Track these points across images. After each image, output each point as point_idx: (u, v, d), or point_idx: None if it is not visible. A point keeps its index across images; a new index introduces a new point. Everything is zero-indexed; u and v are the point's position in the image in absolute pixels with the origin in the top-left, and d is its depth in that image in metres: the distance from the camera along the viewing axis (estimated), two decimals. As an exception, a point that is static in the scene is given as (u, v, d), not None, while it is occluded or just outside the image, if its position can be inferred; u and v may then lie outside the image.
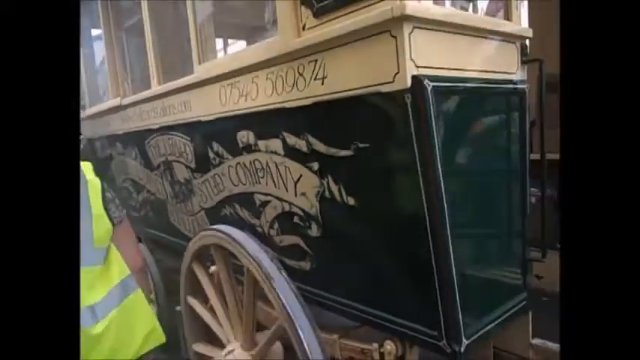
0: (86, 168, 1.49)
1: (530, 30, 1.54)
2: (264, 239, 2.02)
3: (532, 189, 2.23)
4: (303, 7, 1.43)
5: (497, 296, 1.51)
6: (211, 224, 2.23)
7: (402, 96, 1.19)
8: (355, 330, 1.80)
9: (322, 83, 1.41)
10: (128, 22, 3.09)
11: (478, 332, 1.41)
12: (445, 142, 1.27)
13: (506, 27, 1.50)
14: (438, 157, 1.22)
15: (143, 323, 1.53)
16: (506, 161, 1.55)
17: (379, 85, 1.23)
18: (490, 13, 3.07)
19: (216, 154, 2.15)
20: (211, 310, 2.14)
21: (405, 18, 1.13)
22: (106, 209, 1.47)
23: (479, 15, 1.67)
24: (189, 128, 2.30)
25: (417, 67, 1.17)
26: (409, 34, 1.14)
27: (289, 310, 1.55)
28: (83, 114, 3.81)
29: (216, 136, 2.11)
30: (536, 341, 1.71)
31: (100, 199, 1.46)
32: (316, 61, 1.41)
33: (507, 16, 1.54)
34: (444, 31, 1.25)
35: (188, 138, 2.36)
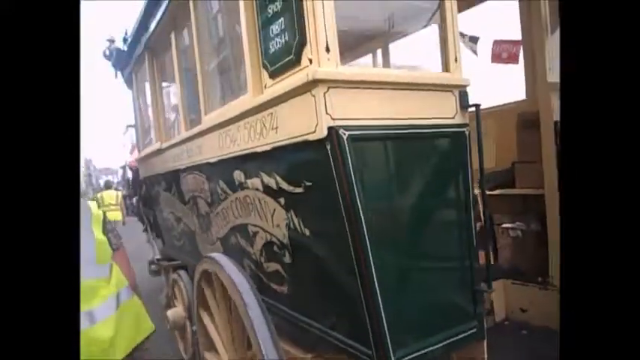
0: (92, 204, 1.88)
1: (469, 79, 1.71)
2: (257, 265, 2.29)
3: (518, 223, 2.31)
4: (263, 70, 1.74)
5: (436, 323, 1.62)
6: (224, 253, 2.54)
7: (323, 144, 1.43)
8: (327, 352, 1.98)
9: (276, 132, 1.69)
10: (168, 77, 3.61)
11: (412, 354, 1.54)
12: (370, 182, 1.47)
13: (441, 77, 1.69)
14: (358, 197, 1.42)
15: (137, 321, 1.92)
16: (444, 198, 1.69)
17: (307, 134, 1.48)
18: (495, 54, 3.20)
19: (222, 190, 2.48)
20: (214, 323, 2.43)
21: (319, 81, 1.38)
22: (105, 233, 1.83)
23: (406, 72, 1.73)
24: (203, 168, 2.68)
25: (333, 119, 1.40)
26: (324, 93, 1.39)
27: (256, 333, 1.78)
28: (139, 156, 4.43)
29: (220, 175, 2.44)
30: (491, 368, 1.77)
31: (101, 228, 1.82)
32: (272, 113, 1.70)
33: (446, 68, 1.72)
34: (363, 88, 1.48)
35: (204, 176, 2.73)
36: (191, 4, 2.44)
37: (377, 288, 1.46)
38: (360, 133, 1.44)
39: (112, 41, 4.52)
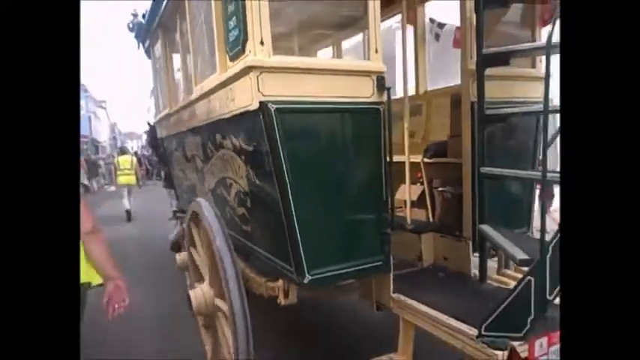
0: None
1: (384, 66, 2.14)
2: (233, 210, 2.85)
3: (448, 187, 2.77)
4: (226, 54, 2.24)
5: (347, 254, 2.13)
6: (214, 202, 3.10)
7: (258, 114, 1.93)
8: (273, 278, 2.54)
9: (234, 103, 2.20)
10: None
11: (322, 274, 2.07)
12: (294, 144, 1.97)
13: (362, 65, 2.15)
14: (282, 155, 1.93)
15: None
16: (359, 159, 2.16)
17: (247, 106, 1.98)
18: (456, 39, 3.52)
19: (210, 149, 3.03)
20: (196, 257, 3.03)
21: (253, 67, 1.87)
22: None
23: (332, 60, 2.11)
24: (196, 131, 3.23)
25: (264, 95, 1.90)
26: (257, 76, 1.88)
27: (219, 255, 2.33)
28: (156, 118, 5.05)
29: (208, 137, 2.98)
30: (395, 295, 2.28)
31: None
32: (231, 88, 2.20)
33: (367, 57, 2.17)
34: (293, 73, 1.96)
35: (198, 138, 3.28)
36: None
37: (296, 225, 1.98)
38: (286, 106, 1.93)
39: (135, 15, 5.07)
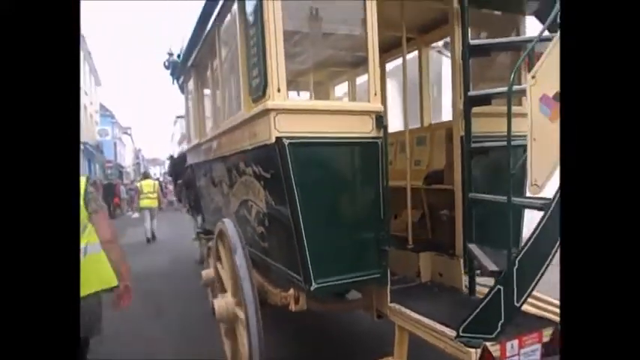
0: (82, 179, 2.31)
1: (381, 107, 2.53)
2: (253, 229, 3.24)
3: (444, 211, 3.10)
4: (249, 96, 2.67)
5: (346, 268, 2.47)
6: (236, 221, 3.50)
7: (274, 146, 2.33)
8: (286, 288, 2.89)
9: (255, 137, 2.61)
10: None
11: (326, 283, 2.42)
12: (304, 172, 2.36)
13: (363, 106, 2.55)
14: (294, 182, 2.32)
15: (99, 272, 2.25)
16: (361, 185, 2.53)
17: (266, 140, 2.39)
18: None
19: (234, 175, 3.45)
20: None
21: (271, 109, 2.29)
22: (86, 202, 2.23)
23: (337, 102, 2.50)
24: (223, 160, 3.67)
25: (280, 132, 2.31)
26: (274, 117, 2.30)
27: (237, 270, 2.71)
28: (187, 147, 5.56)
29: (233, 165, 3.41)
30: (392, 305, 2.59)
31: (83, 197, 2.21)
32: (253, 125, 2.63)
33: (368, 100, 2.56)
34: (302, 113, 2.37)
35: (224, 166, 3.71)
36: (216, 44, 3.44)
37: (305, 241, 2.35)
38: (298, 141, 2.33)
39: (170, 54, 5.67)
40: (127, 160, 43.63)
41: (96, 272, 2.24)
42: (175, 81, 5.72)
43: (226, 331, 3.46)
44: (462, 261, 2.84)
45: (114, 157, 32.59)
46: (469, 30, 2.68)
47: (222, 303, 3.05)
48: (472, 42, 2.61)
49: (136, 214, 12.60)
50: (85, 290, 2.03)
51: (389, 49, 4.14)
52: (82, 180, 2.23)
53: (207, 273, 4.46)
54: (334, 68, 4.86)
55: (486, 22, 3.20)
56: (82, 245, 2.15)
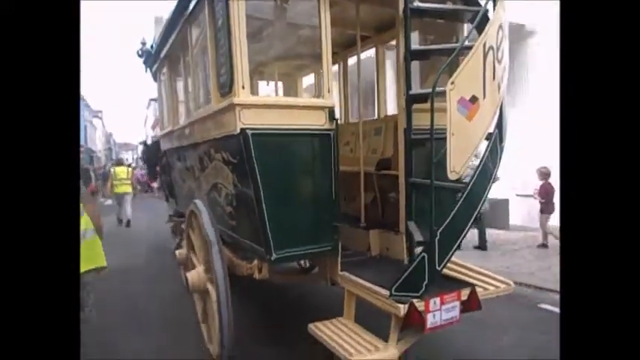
0: None
1: (334, 102, 2.92)
2: (222, 209, 3.60)
3: (392, 194, 3.52)
4: (217, 91, 3.01)
5: (302, 241, 2.88)
6: (207, 203, 3.85)
7: (240, 136, 2.69)
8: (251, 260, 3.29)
9: (223, 127, 2.96)
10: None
11: (285, 254, 2.82)
12: (264, 158, 2.73)
13: (317, 102, 2.93)
14: (256, 166, 2.69)
15: (92, 254, 2.69)
16: (314, 171, 2.92)
17: (233, 130, 2.75)
18: None
19: (206, 161, 3.79)
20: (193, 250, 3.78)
21: (236, 105, 2.65)
22: None
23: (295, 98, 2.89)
24: (195, 147, 3.99)
25: (244, 124, 2.67)
26: (239, 110, 2.66)
27: (210, 246, 3.08)
28: (161, 133, 5.83)
29: (204, 151, 3.75)
30: (342, 273, 3.02)
31: None
32: (222, 117, 2.98)
33: (321, 95, 2.95)
34: (264, 108, 2.74)
35: (196, 152, 4.04)
36: (188, 37, 3.74)
37: (266, 217, 2.74)
38: (259, 132, 2.70)
39: (143, 44, 5.87)
40: (97, 145, 42.38)
41: (91, 253, 2.59)
42: (148, 69, 5.94)
43: (202, 315, 3.82)
44: (404, 236, 3.29)
45: (84, 141, 31.36)
46: (411, 35, 3.08)
47: (195, 274, 3.42)
48: (413, 47, 3.00)
49: (109, 201, 12.64)
50: (83, 266, 2.41)
51: (350, 45, 4.52)
52: None
53: (181, 253, 4.75)
54: (300, 61, 5.20)
55: (431, 28, 3.62)
56: (82, 230, 2.50)
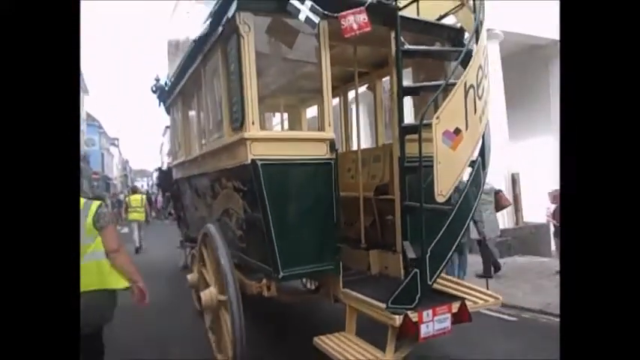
0: (93, 203, 2.84)
1: (334, 135, 3.25)
2: (233, 233, 3.90)
3: (389, 216, 3.82)
4: (230, 126, 3.36)
5: (306, 260, 3.16)
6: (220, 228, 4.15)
7: (250, 166, 3.02)
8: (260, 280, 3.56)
9: (235, 158, 3.30)
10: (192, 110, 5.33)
11: (291, 272, 3.10)
12: (273, 186, 3.05)
13: (318, 135, 3.27)
14: (265, 194, 3.00)
15: (100, 275, 2.66)
16: (317, 196, 3.23)
17: (244, 161, 3.08)
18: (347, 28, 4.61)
19: (217, 188, 4.12)
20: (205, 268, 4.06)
21: (247, 139, 2.99)
22: (96, 220, 2.65)
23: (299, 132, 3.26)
24: (207, 176, 4.33)
25: (254, 155, 3.00)
26: (249, 143, 3.00)
27: (222, 266, 3.37)
28: (173, 163, 6.20)
29: (216, 179, 4.08)
30: (344, 290, 3.29)
31: (92, 216, 2.63)
32: (233, 149, 3.31)
33: (322, 128, 3.29)
34: (272, 141, 3.08)
35: (209, 180, 4.37)
36: (202, 76, 4.14)
37: (274, 239, 3.04)
38: (268, 162, 3.03)
39: (157, 80, 6.31)
40: (114, 172, 42.55)
41: (99, 274, 2.67)
42: (162, 104, 6.35)
43: (211, 325, 4.08)
44: (400, 256, 3.56)
45: (101, 168, 31.09)
46: (405, 72, 3.44)
47: (207, 293, 3.69)
48: (405, 85, 3.35)
49: (125, 229, 13.01)
50: (88, 287, 2.49)
51: (350, 80, 4.90)
52: (94, 205, 2.69)
53: (192, 277, 5.00)
54: (304, 94, 5.59)
55: (423, 65, 3.99)
56: (90, 250, 2.62)
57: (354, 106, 4.93)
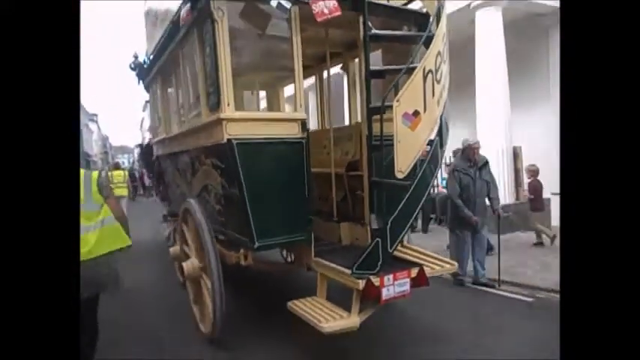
0: (93, 173, 3.14)
1: (305, 115, 3.48)
2: (212, 208, 4.13)
3: (359, 192, 4.08)
4: (207, 107, 3.55)
5: (280, 232, 3.43)
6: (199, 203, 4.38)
7: (226, 145, 3.23)
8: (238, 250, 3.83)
9: (211, 137, 3.50)
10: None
11: (265, 242, 3.37)
12: (248, 163, 3.27)
13: (291, 115, 3.48)
14: (241, 171, 3.23)
15: (114, 237, 2.92)
16: (289, 172, 3.47)
17: (220, 140, 3.29)
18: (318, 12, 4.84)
19: (197, 165, 4.32)
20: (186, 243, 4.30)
21: (222, 119, 3.19)
22: (100, 188, 2.90)
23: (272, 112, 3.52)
24: (186, 153, 4.52)
25: (230, 135, 3.21)
26: (225, 124, 3.20)
27: (203, 239, 3.62)
28: (155, 139, 6.34)
29: (195, 157, 4.28)
30: (315, 259, 3.58)
31: (96, 185, 2.88)
32: (211, 128, 3.51)
33: (295, 110, 3.50)
34: (247, 121, 3.29)
35: (188, 158, 4.57)
36: (180, 56, 4.28)
37: (250, 212, 3.28)
38: (243, 141, 3.25)
39: (136, 57, 6.37)
40: (94, 149, 41.66)
41: (112, 237, 2.93)
42: (141, 81, 6.43)
43: (194, 297, 4.34)
44: (368, 227, 3.86)
45: (80, 145, 31.19)
46: (376, 53, 3.64)
47: (189, 264, 3.95)
48: (371, 68, 3.57)
49: None
50: (104, 250, 2.81)
51: (325, 60, 5.08)
52: (95, 174, 2.97)
53: (174, 249, 5.24)
54: (281, 72, 5.73)
55: (390, 48, 4.20)
56: (100, 218, 2.85)
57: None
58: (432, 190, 4.80)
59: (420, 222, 8.51)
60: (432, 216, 9.12)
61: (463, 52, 8.45)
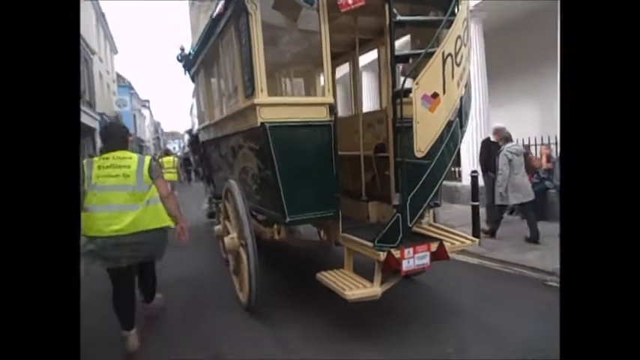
0: (146, 157, 3.70)
1: (332, 99, 3.71)
2: (250, 187, 4.48)
3: (386, 172, 4.30)
4: (243, 93, 3.87)
5: (309, 208, 3.71)
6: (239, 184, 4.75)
7: (260, 128, 3.54)
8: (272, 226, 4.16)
9: (247, 122, 3.83)
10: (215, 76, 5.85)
11: (297, 217, 3.67)
12: (280, 145, 3.57)
13: (319, 99, 3.73)
14: (274, 152, 3.53)
15: (156, 216, 3.37)
16: (319, 153, 3.73)
17: (254, 124, 3.60)
18: (342, 3, 4.99)
19: (236, 149, 4.68)
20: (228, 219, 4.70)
21: (257, 104, 3.50)
22: (150, 171, 3.31)
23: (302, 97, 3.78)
24: (228, 138, 4.89)
25: (263, 119, 3.51)
26: (259, 108, 3.51)
27: (240, 214, 3.97)
28: (200, 126, 6.81)
29: (234, 141, 4.63)
30: (342, 234, 3.84)
31: (147, 168, 3.30)
32: (246, 114, 3.83)
33: (323, 94, 3.74)
34: (279, 106, 3.58)
35: (229, 142, 4.94)
36: (220, 48, 4.62)
37: (281, 190, 3.59)
38: (275, 125, 3.54)
39: (182, 49, 6.82)
40: (146, 134, 42.62)
41: (156, 216, 3.37)
42: (187, 72, 6.89)
43: (234, 269, 4.73)
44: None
45: (133, 130, 30.87)
46: (404, 38, 3.80)
47: (229, 239, 4.33)
48: (397, 53, 3.74)
49: None
50: (150, 226, 3.30)
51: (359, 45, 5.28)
52: (147, 158, 3.41)
53: (218, 228, 5.66)
54: (316, 62, 5.98)
55: (418, 33, 4.34)
56: (147, 198, 3.29)
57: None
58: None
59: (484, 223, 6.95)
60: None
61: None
